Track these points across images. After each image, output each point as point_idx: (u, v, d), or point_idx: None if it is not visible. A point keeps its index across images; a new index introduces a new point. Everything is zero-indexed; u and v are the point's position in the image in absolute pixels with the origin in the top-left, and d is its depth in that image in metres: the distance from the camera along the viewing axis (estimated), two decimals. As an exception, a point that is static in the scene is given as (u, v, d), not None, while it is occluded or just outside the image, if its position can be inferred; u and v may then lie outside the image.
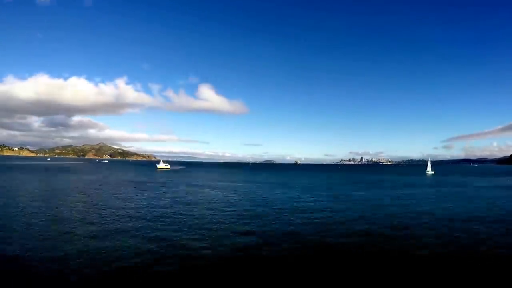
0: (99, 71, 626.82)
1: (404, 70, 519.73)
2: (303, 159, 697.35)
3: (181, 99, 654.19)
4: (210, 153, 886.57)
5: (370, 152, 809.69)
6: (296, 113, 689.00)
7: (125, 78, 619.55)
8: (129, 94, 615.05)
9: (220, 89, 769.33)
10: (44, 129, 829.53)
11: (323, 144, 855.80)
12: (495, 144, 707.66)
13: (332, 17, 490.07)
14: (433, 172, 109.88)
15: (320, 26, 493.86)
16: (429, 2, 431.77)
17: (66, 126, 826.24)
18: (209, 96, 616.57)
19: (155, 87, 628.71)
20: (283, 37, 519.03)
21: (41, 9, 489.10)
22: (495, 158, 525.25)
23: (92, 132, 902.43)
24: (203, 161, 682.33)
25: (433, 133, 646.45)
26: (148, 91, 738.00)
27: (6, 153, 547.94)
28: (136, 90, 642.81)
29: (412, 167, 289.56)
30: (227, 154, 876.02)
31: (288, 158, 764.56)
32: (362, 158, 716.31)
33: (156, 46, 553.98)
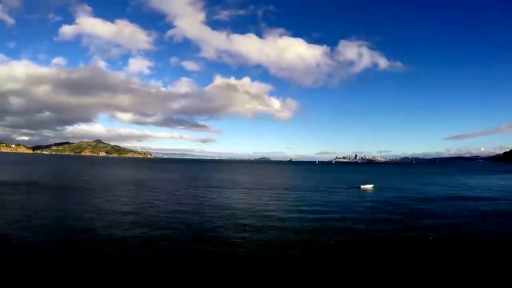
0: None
1: (402, 70, 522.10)
2: (295, 157, 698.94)
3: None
4: (207, 151, 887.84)
5: (363, 151, 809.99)
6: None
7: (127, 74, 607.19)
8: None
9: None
10: (42, 126, 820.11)
11: (315, 143, 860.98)
12: (489, 143, 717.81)
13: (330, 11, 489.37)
14: None
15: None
16: (428, 2, 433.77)
17: (65, 122, 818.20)
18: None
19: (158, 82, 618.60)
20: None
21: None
22: (489, 156, 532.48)
23: (90, 129, 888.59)
24: (200, 158, 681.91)
25: (429, 132, 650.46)
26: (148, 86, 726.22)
27: (4, 149, 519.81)
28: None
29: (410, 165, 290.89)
30: (223, 152, 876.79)
31: (281, 156, 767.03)
32: (356, 156, 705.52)
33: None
